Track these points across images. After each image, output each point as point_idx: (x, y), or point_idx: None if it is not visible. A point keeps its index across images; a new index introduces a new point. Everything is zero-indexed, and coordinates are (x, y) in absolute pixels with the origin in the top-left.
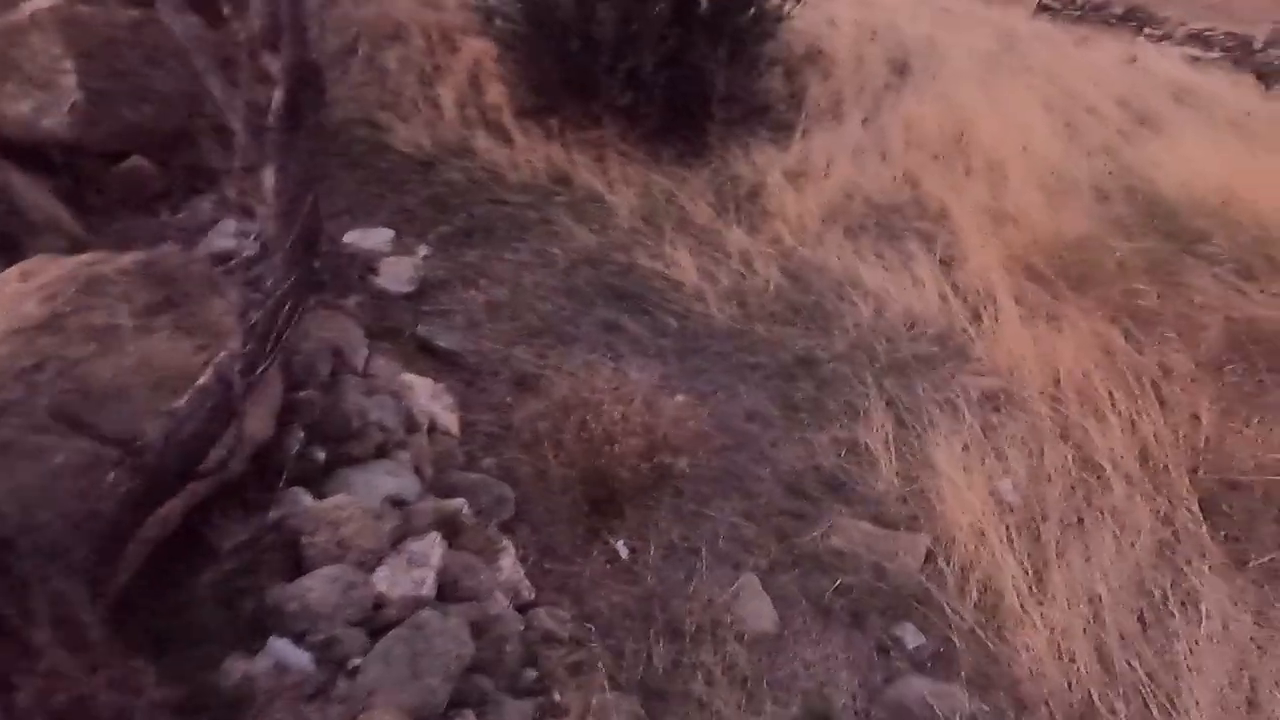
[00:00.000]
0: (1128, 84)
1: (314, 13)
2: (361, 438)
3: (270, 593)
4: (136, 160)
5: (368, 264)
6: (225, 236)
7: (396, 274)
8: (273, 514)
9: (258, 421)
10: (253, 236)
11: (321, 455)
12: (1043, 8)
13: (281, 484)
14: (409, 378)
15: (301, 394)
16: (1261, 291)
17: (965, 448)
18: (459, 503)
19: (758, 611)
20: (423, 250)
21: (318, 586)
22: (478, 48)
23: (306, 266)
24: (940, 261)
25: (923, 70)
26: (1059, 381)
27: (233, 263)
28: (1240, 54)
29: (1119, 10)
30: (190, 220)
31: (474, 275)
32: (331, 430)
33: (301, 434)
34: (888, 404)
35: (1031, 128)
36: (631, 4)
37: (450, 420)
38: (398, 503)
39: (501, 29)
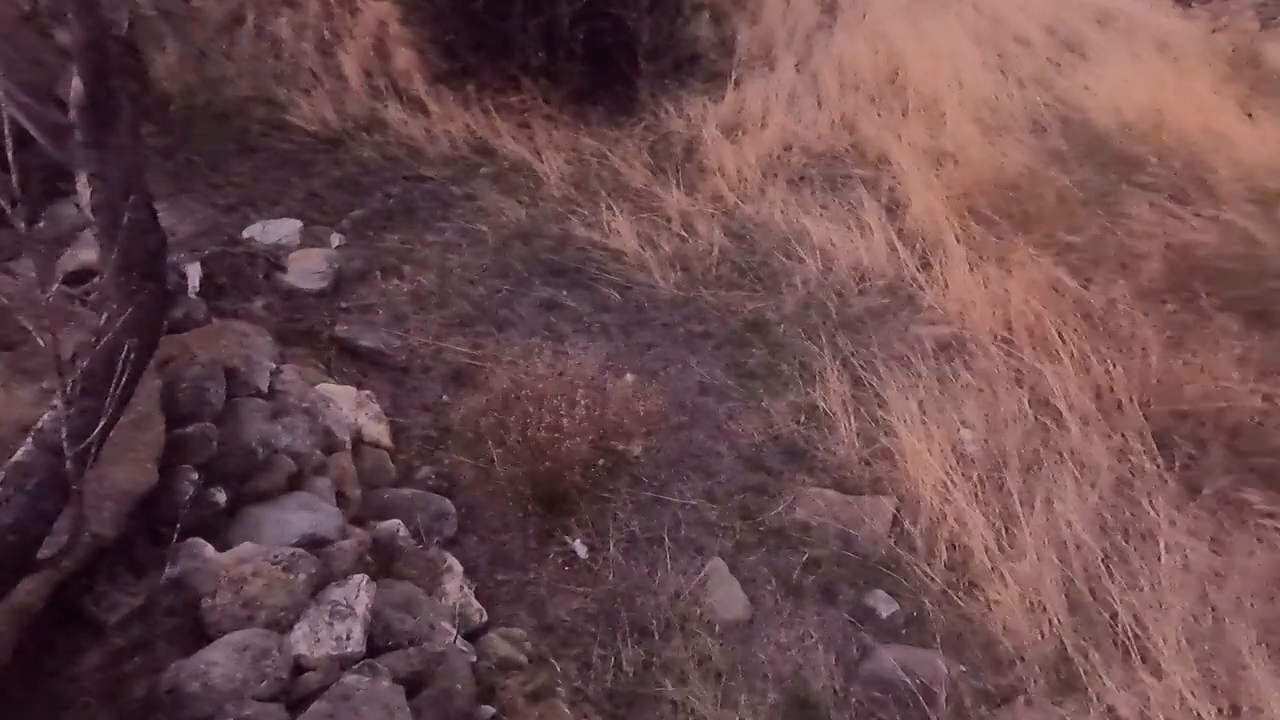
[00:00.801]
0: (1052, 11)
1: None
2: (269, 470)
3: (166, 673)
4: None
5: (273, 260)
6: (87, 248)
7: (307, 269)
8: (168, 572)
9: (131, 471)
10: None
11: (222, 497)
12: None
13: (176, 536)
14: (328, 388)
15: (189, 429)
16: (1197, 215)
17: (922, 402)
18: (392, 526)
19: (727, 598)
20: (336, 240)
21: (223, 659)
22: (380, 9)
23: (151, 290)
24: (885, 209)
25: (851, 9)
26: (1010, 325)
27: (97, 281)
28: None
29: None
30: (51, 230)
31: (396, 263)
32: (232, 466)
33: (195, 475)
34: (843, 363)
35: (963, 62)
36: None
37: (379, 430)
38: (316, 542)
39: None
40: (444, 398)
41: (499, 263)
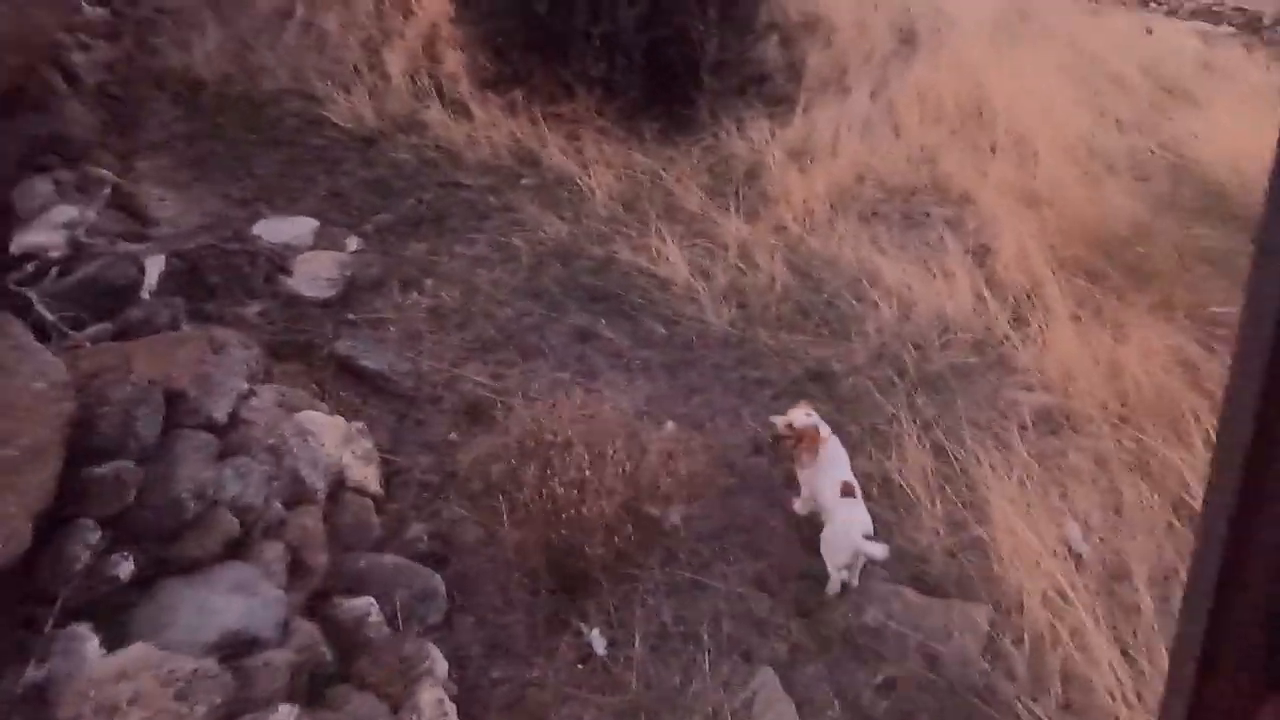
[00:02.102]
0: (1149, 54)
1: None
2: (201, 530)
3: None
4: None
5: (278, 262)
6: (45, 230)
7: (315, 274)
8: (31, 674)
9: None
10: (79, 229)
11: (127, 566)
12: None
13: (53, 620)
14: (312, 418)
15: (101, 469)
16: None
17: (1022, 483)
18: (362, 607)
19: None
20: (353, 243)
21: None
22: (435, 10)
23: None
24: (971, 253)
25: (931, 37)
26: (1126, 399)
27: (29, 268)
28: (1250, 29)
29: None
30: (22, 204)
31: (417, 274)
32: (152, 522)
33: (97, 534)
34: (923, 429)
35: (1055, 99)
36: None
37: (367, 474)
38: (243, 643)
39: None
40: (452, 436)
41: (532, 283)
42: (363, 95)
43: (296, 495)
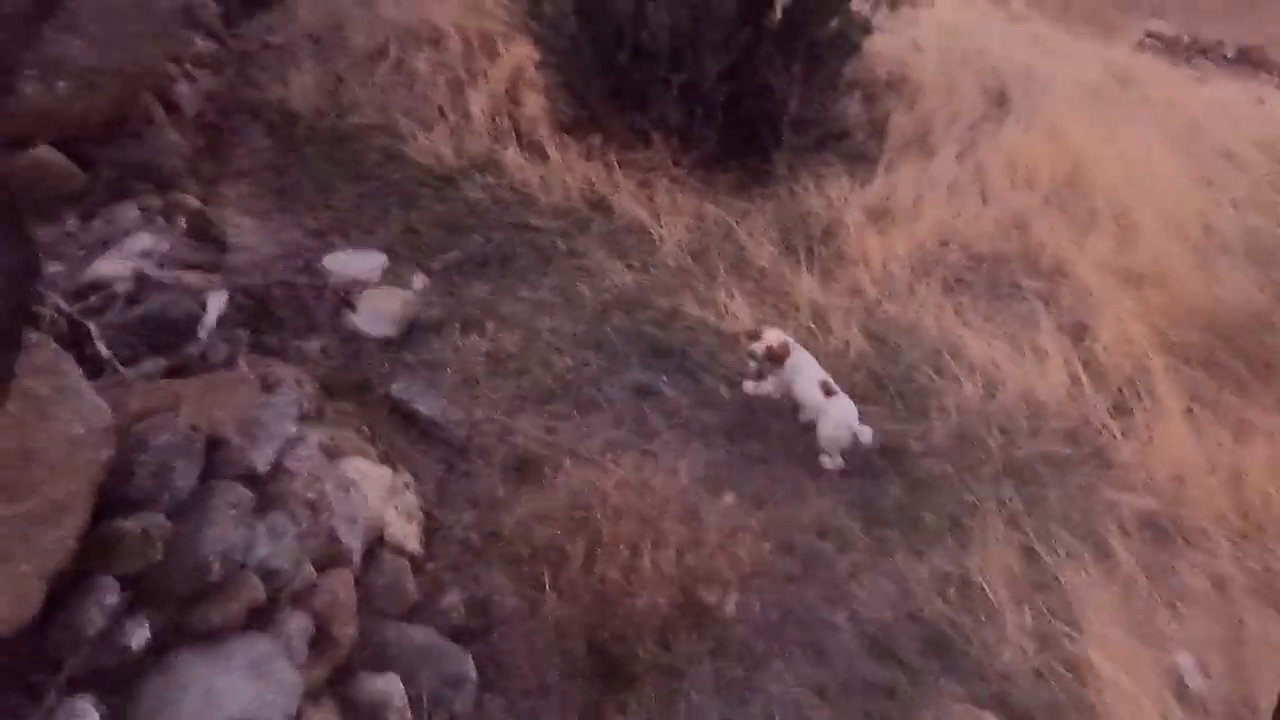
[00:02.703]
0: (1262, 127)
1: None
2: (224, 595)
3: None
4: (45, 152)
5: (344, 297)
6: (118, 259)
7: (379, 311)
8: None
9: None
10: (151, 258)
11: (142, 634)
12: (1146, 44)
13: (55, 688)
14: (355, 466)
15: (127, 522)
16: None
17: (1124, 599)
18: (384, 690)
19: None
20: (419, 282)
21: None
22: (520, 55)
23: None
24: (1065, 331)
25: (1023, 100)
26: (1248, 511)
27: (93, 299)
28: None
29: (1230, 52)
30: (107, 230)
31: (479, 316)
32: (175, 584)
33: (116, 594)
34: (1008, 524)
35: (1159, 171)
36: (695, 3)
37: (408, 532)
38: None
39: (545, 29)
40: (501, 493)
41: (594, 332)
42: (444, 134)
43: (330, 557)
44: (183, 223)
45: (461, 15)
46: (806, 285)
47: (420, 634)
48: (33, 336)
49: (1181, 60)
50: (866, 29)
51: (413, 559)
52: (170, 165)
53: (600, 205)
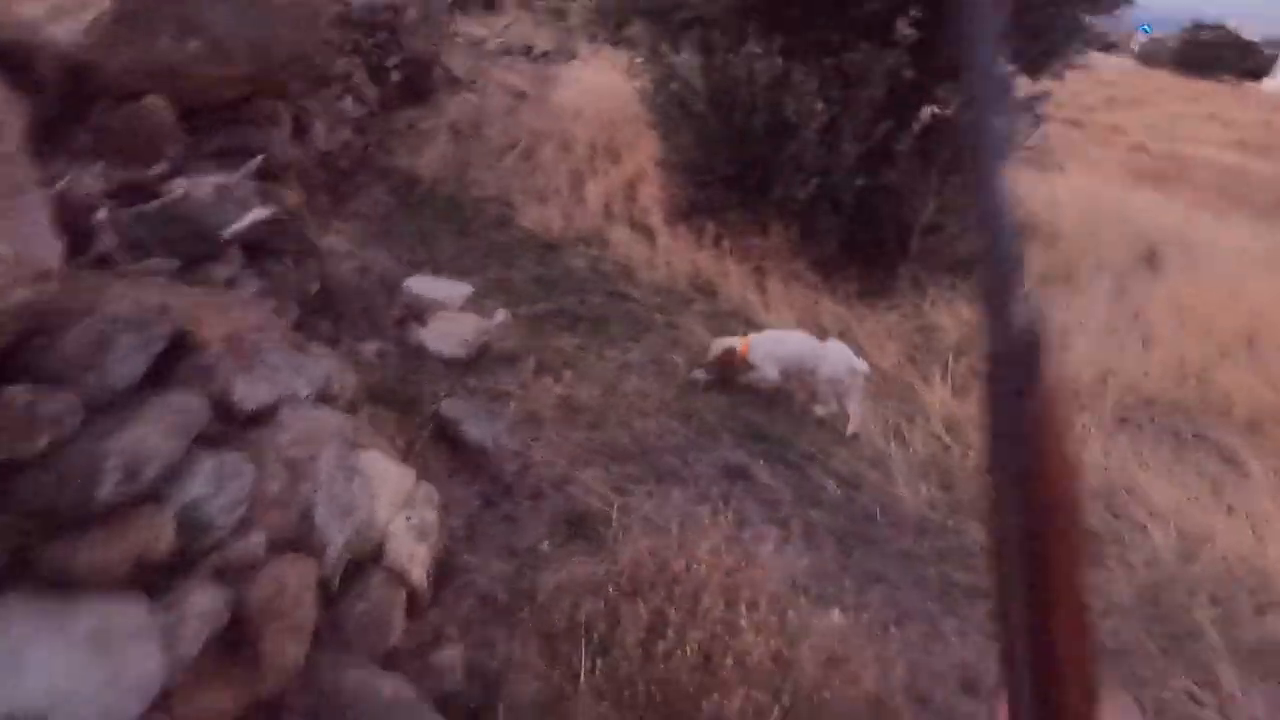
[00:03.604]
0: None
1: None
2: (105, 528)
3: None
4: (152, 101)
5: (417, 312)
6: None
7: (449, 332)
8: None
9: None
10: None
11: None
12: None
13: None
14: (371, 459)
15: (10, 389)
16: None
17: None
18: None
19: None
20: (500, 315)
21: None
22: (643, 159)
23: None
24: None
25: (1180, 257)
26: None
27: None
28: None
29: None
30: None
31: (559, 363)
32: (45, 491)
33: None
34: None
35: None
36: (844, 78)
37: (416, 555)
38: None
39: (670, 105)
40: (545, 546)
41: (685, 403)
42: (555, 210)
43: (295, 540)
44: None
45: (594, 129)
46: (938, 394)
47: (391, 687)
48: None
49: None
50: (1019, 146)
51: (413, 594)
52: (279, 161)
53: (705, 288)
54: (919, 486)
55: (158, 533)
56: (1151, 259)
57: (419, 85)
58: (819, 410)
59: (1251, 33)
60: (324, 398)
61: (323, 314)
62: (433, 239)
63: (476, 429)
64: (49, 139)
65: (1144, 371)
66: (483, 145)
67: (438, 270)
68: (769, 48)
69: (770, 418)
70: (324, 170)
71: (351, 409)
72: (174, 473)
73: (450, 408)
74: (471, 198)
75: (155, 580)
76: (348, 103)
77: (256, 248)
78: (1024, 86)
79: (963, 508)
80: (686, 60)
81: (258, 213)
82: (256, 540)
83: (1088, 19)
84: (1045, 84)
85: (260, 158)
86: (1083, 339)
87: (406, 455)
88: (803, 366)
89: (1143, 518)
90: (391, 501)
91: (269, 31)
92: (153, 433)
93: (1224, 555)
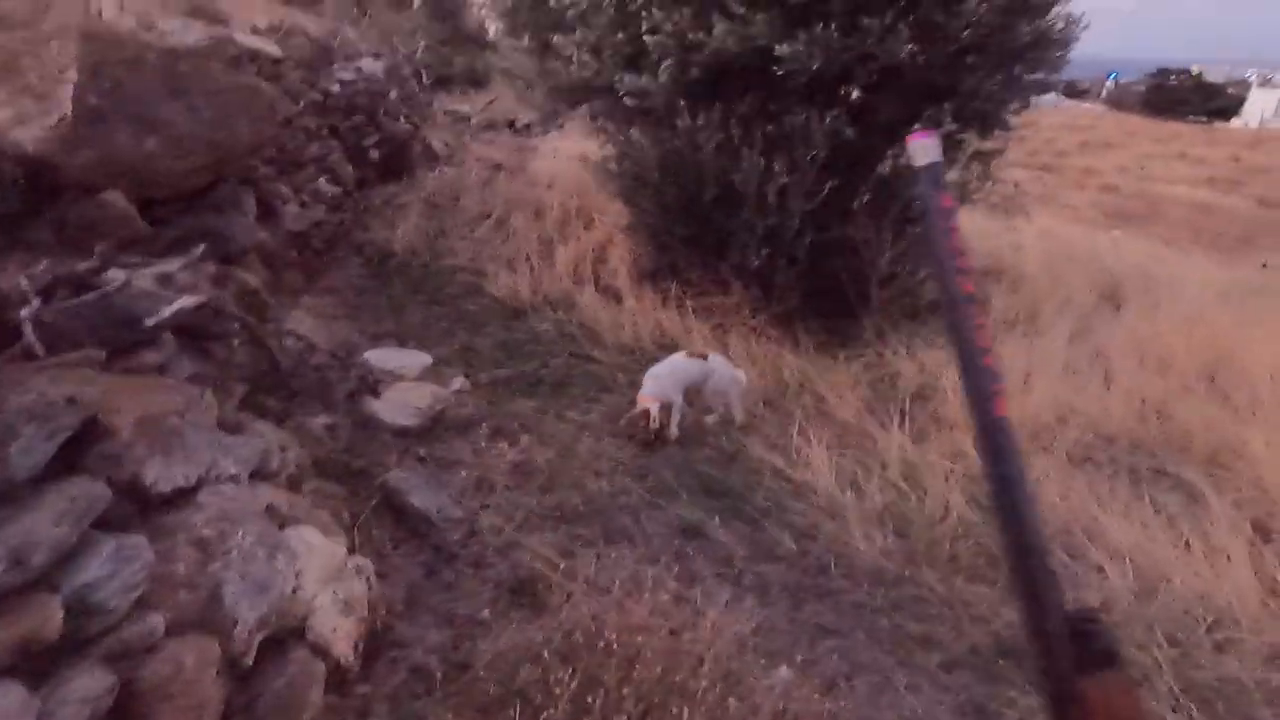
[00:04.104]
0: None
1: None
2: None
3: None
4: (111, 195)
5: (372, 383)
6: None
7: (404, 402)
8: None
9: None
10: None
11: None
12: (1266, 271)
13: None
14: (302, 535)
15: None
16: None
17: None
18: None
19: None
20: (458, 383)
21: None
22: (612, 225)
23: None
24: (1243, 529)
25: (1142, 296)
26: None
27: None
28: None
29: None
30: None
31: (516, 428)
32: None
33: None
34: None
35: None
36: (781, 151)
37: (341, 630)
38: None
39: (630, 179)
40: (486, 614)
41: (641, 461)
42: (524, 275)
43: (199, 618)
44: (228, 290)
45: (567, 196)
46: (896, 440)
47: None
48: None
49: None
50: (960, 197)
51: (339, 668)
52: (238, 244)
53: (669, 347)
54: (875, 536)
55: (46, 617)
56: (1115, 297)
57: (398, 163)
58: (708, 418)
59: (1216, 75)
60: (261, 475)
61: (274, 391)
62: (402, 310)
63: (422, 498)
64: (11, 233)
65: (1104, 409)
66: (458, 216)
67: (403, 340)
68: (711, 120)
69: (727, 472)
70: (296, 249)
71: (293, 484)
72: (66, 558)
73: (397, 478)
74: (444, 267)
75: (43, 664)
76: (322, 183)
77: (197, 332)
78: (973, 143)
79: (918, 555)
80: (637, 136)
81: (184, 301)
82: (154, 621)
83: (1026, 75)
84: (1000, 138)
85: (201, 247)
86: (1044, 379)
87: (351, 528)
88: (693, 383)
89: (1100, 558)
90: (319, 576)
91: (226, 125)
92: (44, 520)
93: (1182, 593)
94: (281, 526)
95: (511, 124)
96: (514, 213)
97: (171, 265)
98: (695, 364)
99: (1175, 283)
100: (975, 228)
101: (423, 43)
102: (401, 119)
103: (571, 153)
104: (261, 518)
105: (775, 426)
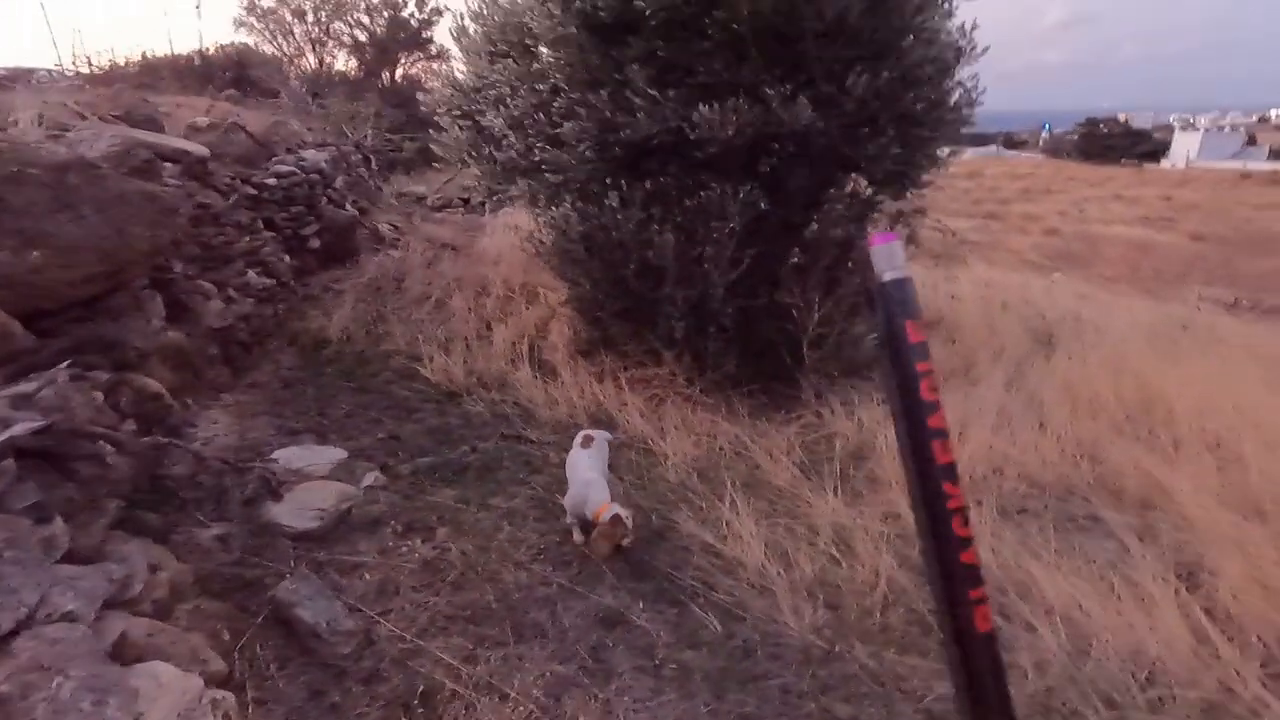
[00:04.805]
0: None
1: None
2: None
3: None
4: None
5: (275, 485)
6: None
7: (306, 503)
8: None
9: None
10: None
11: None
12: (1201, 306)
13: None
14: (153, 671)
15: None
16: None
17: None
18: None
19: None
20: (369, 479)
21: None
22: (555, 298)
23: None
24: (1172, 574)
25: (1075, 341)
26: None
27: None
28: None
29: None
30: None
31: (432, 520)
32: None
33: None
34: None
35: (1253, 400)
36: (700, 224)
37: None
38: None
39: (561, 257)
40: None
41: (565, 546)
42: (458, 357)
43: None
44: (120, 400)
45: (511, 272)
46: (829, 506)
47: None
48: None
49: (1238, 312)
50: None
51: None
52: (137, 349)
53: (603, 422)
54: (804, 610)
55: None
56: (1048, 341)
57: (341, 249)
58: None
59: (1142, 121)
60: (117, 603)
61: (160, 504)
62: (329, 401)
63: (313, 610)
64: None
65: (1038, 457)
66: (399, 299)
67: (323, 434)
68: (631, 198)
69: (654, 553)
70: (220, 345)
71: (162, 609)
72: None
73: (286, 590)
74: (380, 353)
75: None
76: (252, 276)
77: (52, 453)
78: (891, 204)
79: (849, 628)
80: (564, 213)
81: (18, 428)
82: None
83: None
84: (918, 197)
85: (64, 365)
86: (979, 430)
87: (231, 650)
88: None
89: (1032, 616)
90: (168, 716)
91: (120, 233)
92: None
93: (1116, 648)
94: (134, 661)
95: (466, 201)
96: (456, 292)
97: (29, 386)
98: (603, 444)
99: (1105, 325)
100: (915, 280)
101: (371, 130)
102: (348, 205)
103: (523, 226)
104: (97, 659)
105: (707, 498)
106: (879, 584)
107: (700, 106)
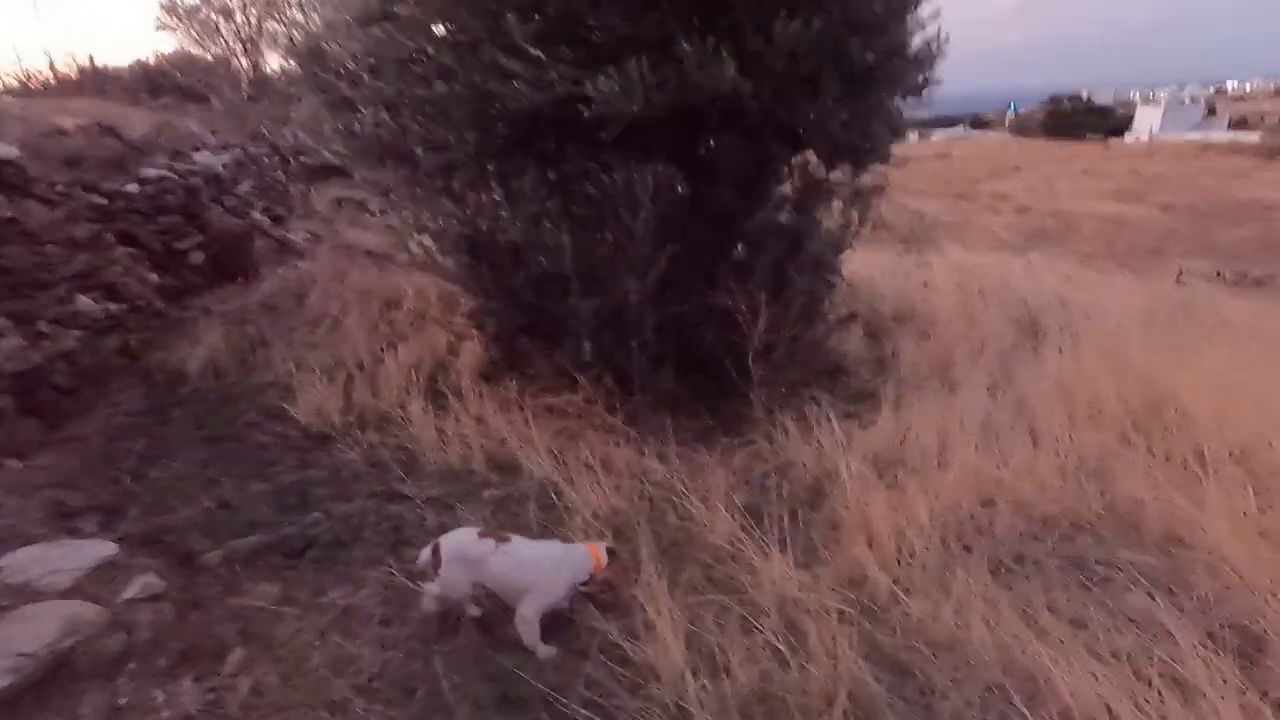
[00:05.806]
0: None
1: None
2: None
3: None
4: None
5: None
6: None
7: (11, 638)
8: None
9: None
10: None
11: None
12: (1184, 279)
13: None
14: None
15: None
16: None
17: None
18: None
19: None
20: (135, 588)
21: None
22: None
23: None
24: (1221, 644)
25: (1063, 331)
26: None
27: None
28: None
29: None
30: None
31: (231, 636)
32: None
33: None
34: None
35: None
36: (607, 218)
37: None
38: None
39: (459, 268)
40: None
41: (413, 665)
42: (338, 390)
43: None
44: None
45: (430, 281)
46: (777, 571)
47: None
48: None
49: (1224, 288)
50: (838, 246)
51: None
52: None
53: (504, 465)
54: None
55: None
56: (1034, 331)
57: (233, 263)
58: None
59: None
60: None
61: None
62: (155, 459)
63: None
64: None
65: (1035, 481)
66: (294, 319)
67: (120, 511)
68: (520, 187)
69: (536, 665)
70: (19, 394)
71: None
72: None
73: None
74: (250, 387)
75: None
76: (82, 303)
77: None
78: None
79: None
80: (444, 209)
81: None
82: None
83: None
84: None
85: None
86: (962, 450)
87: None
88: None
89: None
90: None
91: None
92: None
93: None
94: None
95: None
96: (361, 309)
97: None
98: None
99: (1095, 310)
100: (884, 267)
101: (296, 132)
102: (256, 213)
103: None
104: None
105: (618, 572)
106: (837, 695)
107: (596, 72)
